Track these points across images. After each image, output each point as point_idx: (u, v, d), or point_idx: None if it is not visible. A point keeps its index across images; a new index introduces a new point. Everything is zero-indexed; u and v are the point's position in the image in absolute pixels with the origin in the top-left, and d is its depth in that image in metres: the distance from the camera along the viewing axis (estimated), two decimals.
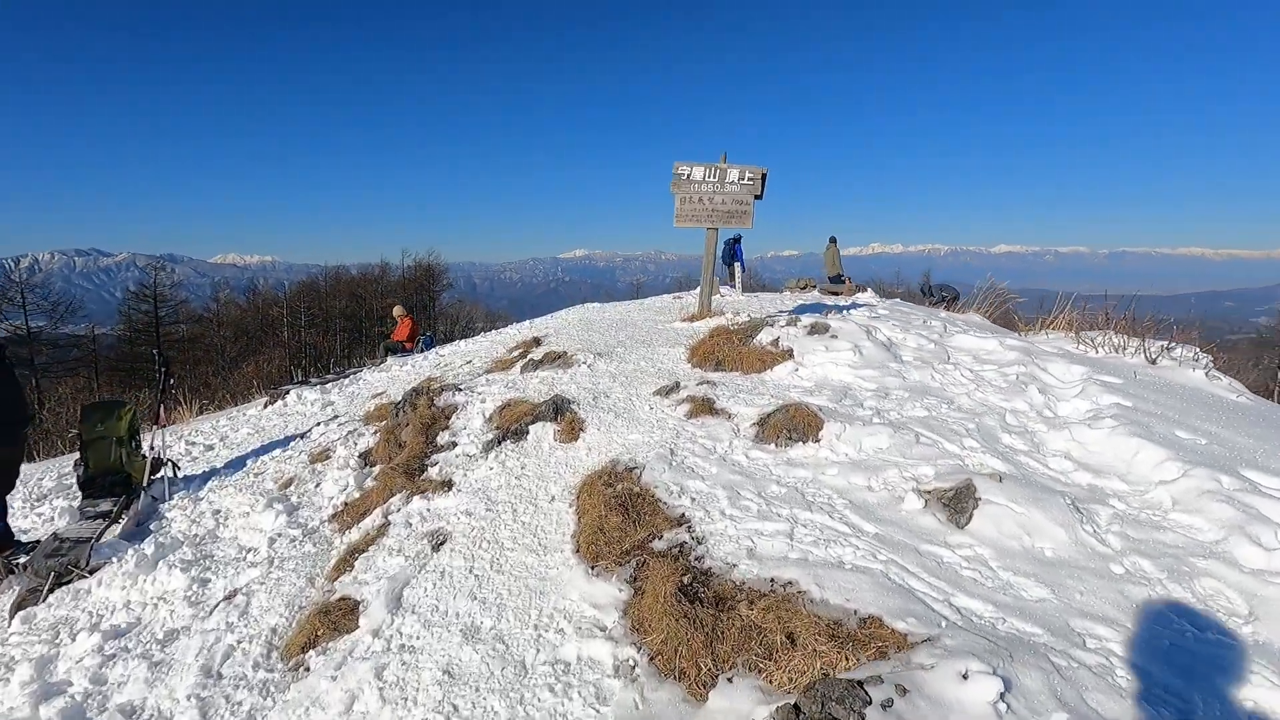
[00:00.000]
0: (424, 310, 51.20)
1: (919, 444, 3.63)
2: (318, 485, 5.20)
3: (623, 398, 4.93)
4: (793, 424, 3.91)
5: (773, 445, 3.85)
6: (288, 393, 9.71)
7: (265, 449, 6.97)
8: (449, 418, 5.15)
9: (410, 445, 4.84)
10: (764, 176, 8.52)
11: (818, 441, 3.80)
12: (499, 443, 4.48)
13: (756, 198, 8.56)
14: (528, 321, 13.87)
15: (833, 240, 18.23)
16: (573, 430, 4.40)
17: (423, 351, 13.59)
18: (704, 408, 4.44)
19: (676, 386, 4.89)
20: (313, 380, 10.85)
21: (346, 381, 10.34)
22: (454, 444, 4.68)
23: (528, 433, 4.50)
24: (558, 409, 4.62)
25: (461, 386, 5.90)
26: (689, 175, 8.57)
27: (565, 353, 6.15)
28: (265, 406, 9.74)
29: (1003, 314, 13.25)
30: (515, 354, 7.55)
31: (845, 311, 9.99)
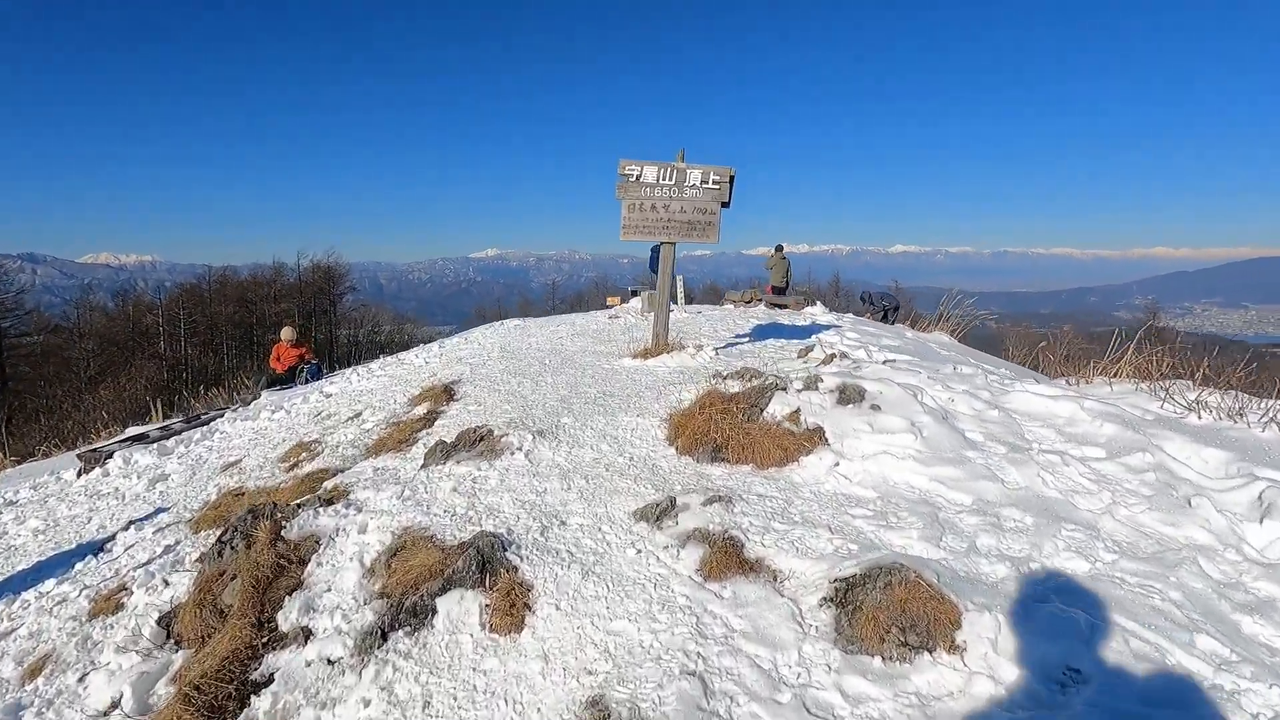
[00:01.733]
0: (324, 316, 47.07)
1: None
2: (82, 680, 3.14)
3: (588, 527, 3.14)
4: (904, 614, 2.26)
5: (877, 659, 2.18)
6: (110, 456, 7.29)
7: (41, 571, 4.75)
8: (305, 562, 3.20)
9: (232, 625, 2.87)
10: (732, 179, 6.93)
11: (955, 652, 2.16)
12: (385, 634, 2.60)
13: (724, 205, 6.95)
14: (437, 344, 11.76)
15: (779, 248, 17.00)
16: (513, 610, 2.58)
17: (307, 382, 11.24)
18: (728, 556, 2.73)
19: (671, 505, 3.15)
20: (152, 433, 8.38)
21: (197, 435, 7.98)
22: (307, 632, 2.75)
23: (435, 613, 2.64)
24: (485, 563, 2.78)
25: (333, 493, 3.93)
26: (639, 177, 6.86)
27: (490, 431, 4.27)
28: (79, 475, 7.27)
29: (969, 331, 12.29)
30: (419, 414, 5.59)
31: (820, 333, 8.58)
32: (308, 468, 5.07)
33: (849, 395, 4.02)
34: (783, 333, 9.07)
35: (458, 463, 3.93)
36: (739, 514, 3.06)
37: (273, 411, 8.21)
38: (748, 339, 8.46)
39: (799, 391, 4.13)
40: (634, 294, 17.68)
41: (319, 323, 46.57)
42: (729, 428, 3.91)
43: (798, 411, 3.95)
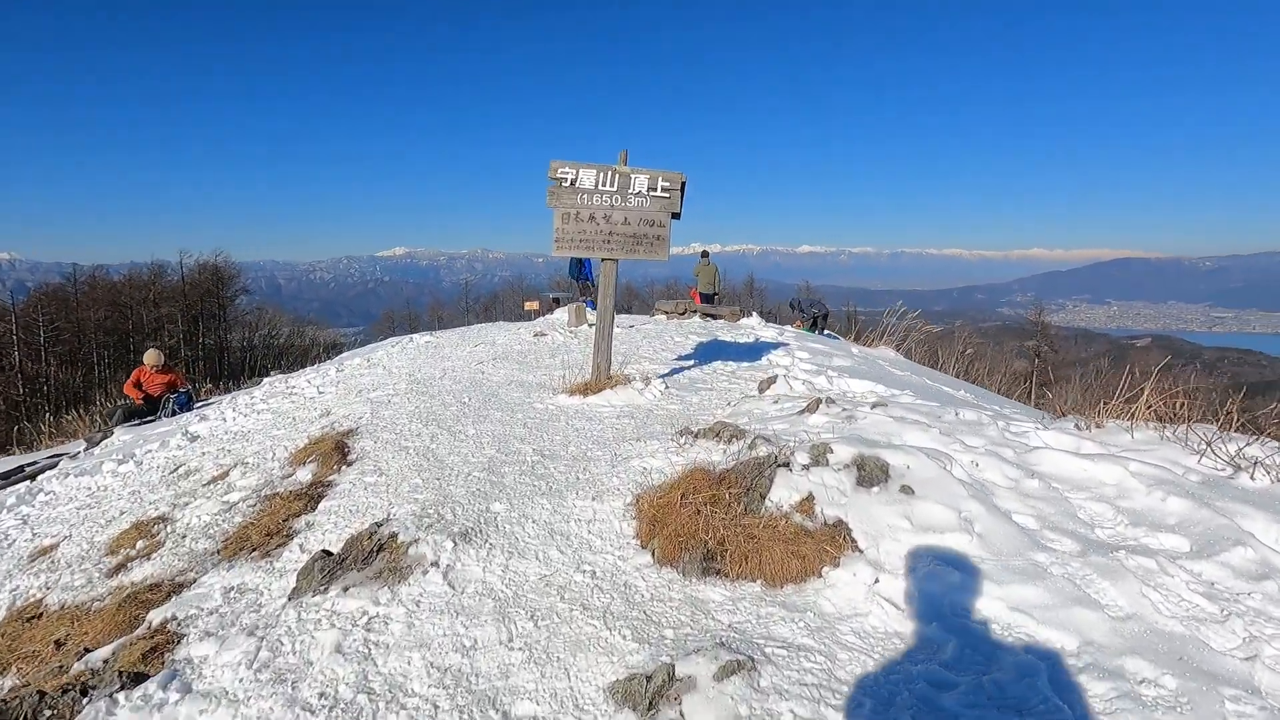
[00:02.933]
0: (213, 320, 43.05)
1: None
2: None
3: None
4: None
5: None
6: None
7: None
8: None
9: None
10: (683, 186, 5.97)
11: None
12: None
13: (674, 217, 5.98)
14: (334, 366, 10.21)
15: (705, 254, 16.27)
16: None
17: (174, 414, 9.49)
18: None
19: (669, 680, 2.12)
20: None
21: (13, 499, 6.28)
22: None
23: None
24: None
25: (155, 642, 2.66)
26: (574, 181, 5.81)
27: (394, 534, 3.09)
28: None
29: (909, 346, 11.91)
30: (302, 483, 4.31)
31: (770, 353, 7.78)
32: (138, 572, 3.71)
33: (871, 474, 3.11)
34: (729, 353, 8.24)
35: (345, 591, 2.74)
36: (771, 695, 2.06)
37: (119, 462, 6.61)
38: (694, 362, 7.56)
39: (806, 468, 3.19)
40: (556, 302, 16.49)
41: (207, 328, 42.56)
42: (723, 525, 2.92)
43: (810, 499, 3.01)
